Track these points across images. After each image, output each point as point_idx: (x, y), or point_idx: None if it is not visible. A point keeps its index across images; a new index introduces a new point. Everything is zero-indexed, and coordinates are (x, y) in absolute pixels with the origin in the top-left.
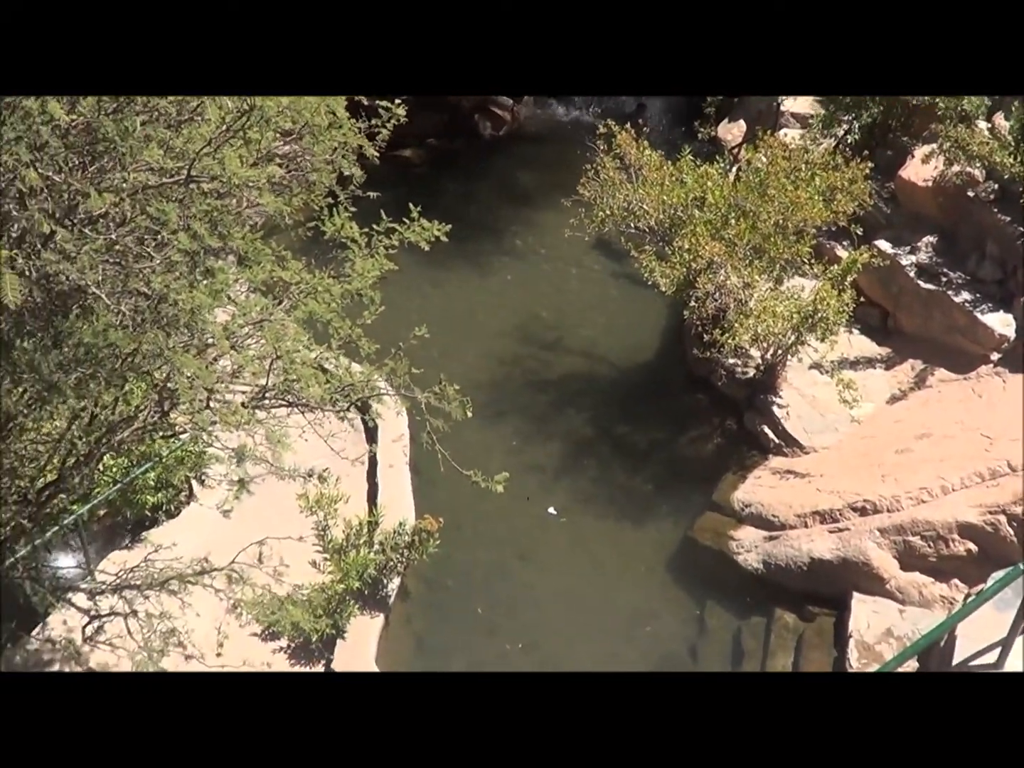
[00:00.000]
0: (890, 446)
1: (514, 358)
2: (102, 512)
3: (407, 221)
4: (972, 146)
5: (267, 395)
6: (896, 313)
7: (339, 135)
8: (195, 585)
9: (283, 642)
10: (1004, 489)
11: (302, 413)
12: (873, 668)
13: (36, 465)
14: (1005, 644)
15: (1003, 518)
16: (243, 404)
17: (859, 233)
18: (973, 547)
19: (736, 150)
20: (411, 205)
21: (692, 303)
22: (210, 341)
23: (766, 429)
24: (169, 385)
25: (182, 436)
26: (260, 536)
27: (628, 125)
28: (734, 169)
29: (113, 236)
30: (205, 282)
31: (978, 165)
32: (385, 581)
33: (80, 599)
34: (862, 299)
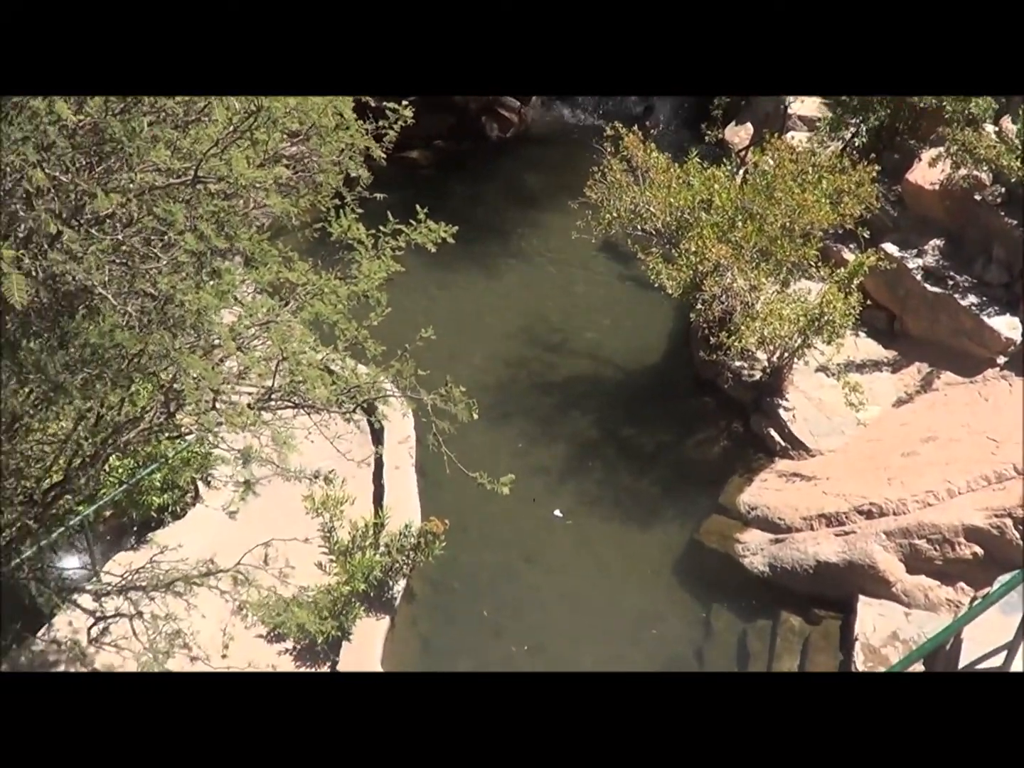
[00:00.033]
0: (896, 449)
1: (520, 360)
2: (108, 513)
3: (414, 223)
4: (979, 149)
5: (273, 396)
6: (903, 316)
7: (346, 136)
8: (200, 586)
9: (288, 644)
10: (1010, 492)
11: (308, 414)
12: (879, 671)
13: (42, 466)
14: (1011, 648)
15: (1009, 521)
16: (249, 405)
17: (866, 236)
18: (979, 550)
19: (743, 153)
20: (418, 207)
21: (699, 306)
22: (216, 342)
23: (772, 432)
24: (175, 386)
25: (188, 437)
26: (266, 537)
27: (635, 127)
28: (741, 172)
29: (120, 237)
30: (212, 283)
31: (985, 169)
32: (391, 583)
33: (85, 600)
34: (869, 302)
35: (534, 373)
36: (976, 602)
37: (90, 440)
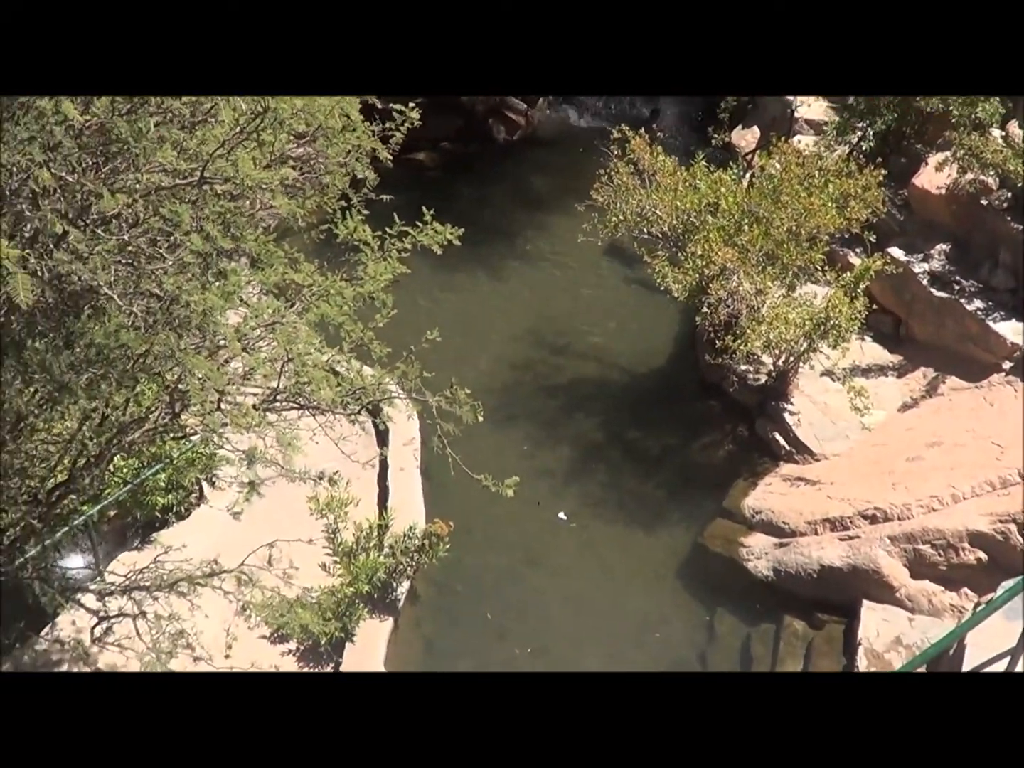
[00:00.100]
0: (901, 454)
1: (526, 362)
2: (112, 513)
3: (420, 224)
4: (986, 154)
5: (278, 397)
6: (908, 321)
7: (353, 138)
8: (204, 587)
9: (292, 645)
10: (1015, 498)
11: (313, 416)
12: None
13: (47, 465)
14: (1014, 653)
15: (1013, 527)
16: (254, 406)
17: (872, 240)
18: (983, 556)
19: (750, 156)
20: (424, 208)
21: (704, 309)
22: (222, 343)
23: (777, 436)
24: (180, 386)
25: (193, 438)
26: (270, 538)
27: (642, 130)
28: (748, 175)
29: (126, 237)
30: (217, 284)
31: (992, 173)
32: (395, 584)
33: (89, 600)
34: (874, 306)
35: (539, 375)
36: (980, 607)
37: (95, 440)
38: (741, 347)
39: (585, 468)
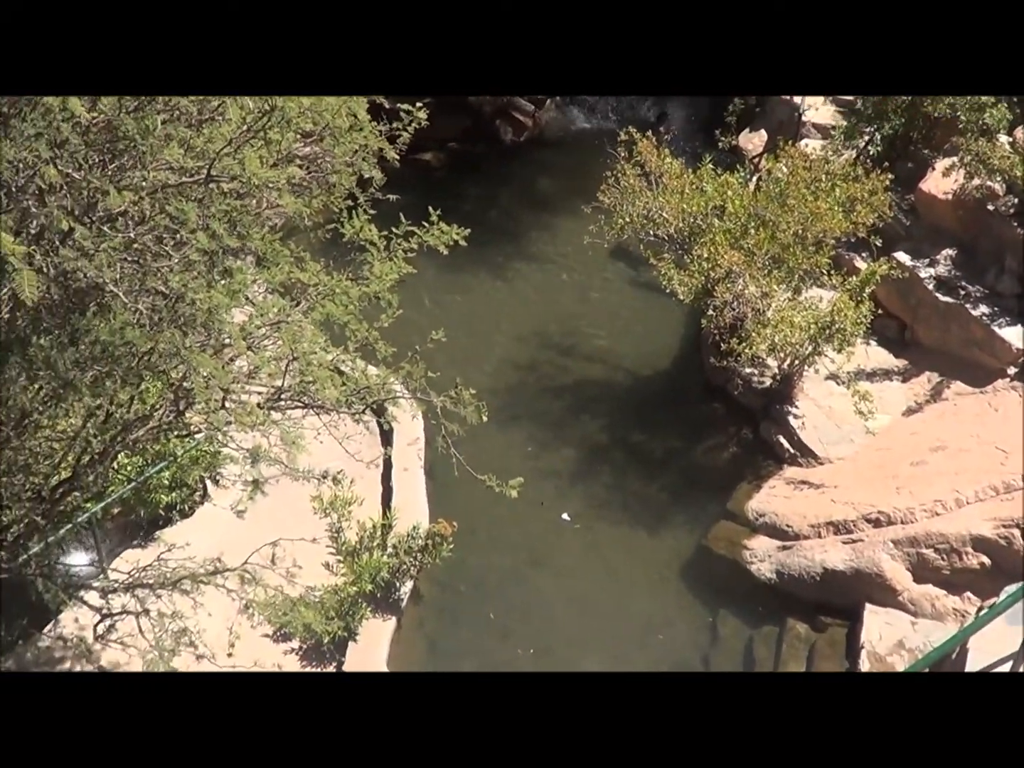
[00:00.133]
0: (905, 458)
1: (531, 363)
2: (116, 510)
3: (426, 224)
4: (993, 160)
5: (283, 396)
6: (914, 325)
7: (360, 137)
8: (207, 585)
9: (295, 644)
10: (1018, 503)
11: (317, 415)
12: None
13: (51, 462)
14: (1017, 658)
15: (1017, 532)
16: (259, 405)
17: (878, 245)
18: (986, 560)
19: (757, 160)
20: (431, 209)
21: (710, 312)
22: (227, 341)
23: (782, 439)
24: (185, 384)
25: (197, 436)
26: (273, 537)
27: (649, 133)
28: (754, 179)
29: (132, 234)
30: (223, 282)
31: (999, 179)
32: (398, 584)
33: (92, 597)
34: (880, 311)
35: (544, 376)
36: (983, 612)
37: (99, 437)
38: (746, 350)
39: (589, 469)
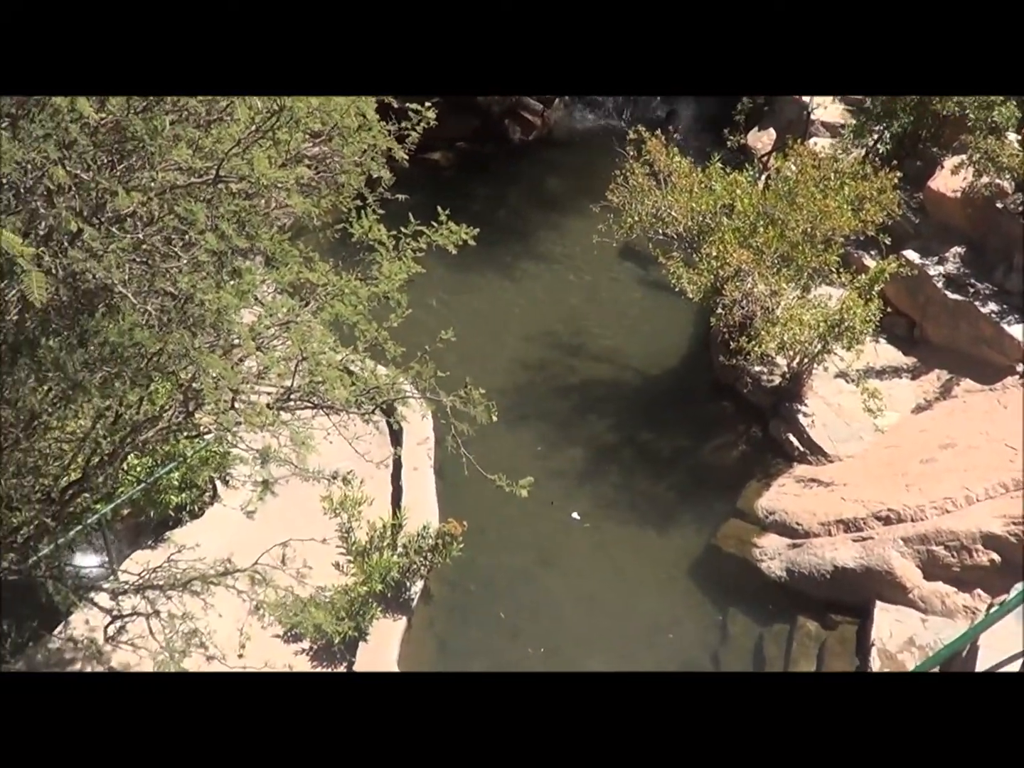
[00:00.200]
0: (915, 456)
1: (540, 363)
2: (126, 511)
3: (435, 224)
4: (1002, 158)
5: (292, 397)
6: (923, 323)
7: (369, 137)
8: (218, 586)
9: (305, 644)
10: None
11: (327, 415)
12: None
13: (60, 464)
14: None
15: None
16: (268, 405)
17: (887, 243)
18: (996, 557)
19: (765, 158)
20: (439, 208)
21: (719, 310)
22: (236, 342)
23: (791, 437)
24: (194, 385)
25: (207, 436)
26: (283, 537)
27: (658, 132)
28: (763, 177)
29: (140, 235)
30: (232, 282)
31: (1007, 177)
32: (408, 584)
33: (102, 599)
34: (889, 309)
35: (553, 376)
36: (993, 609)
37: (108, 438)
38: (755, 348)
39: (598, 469)
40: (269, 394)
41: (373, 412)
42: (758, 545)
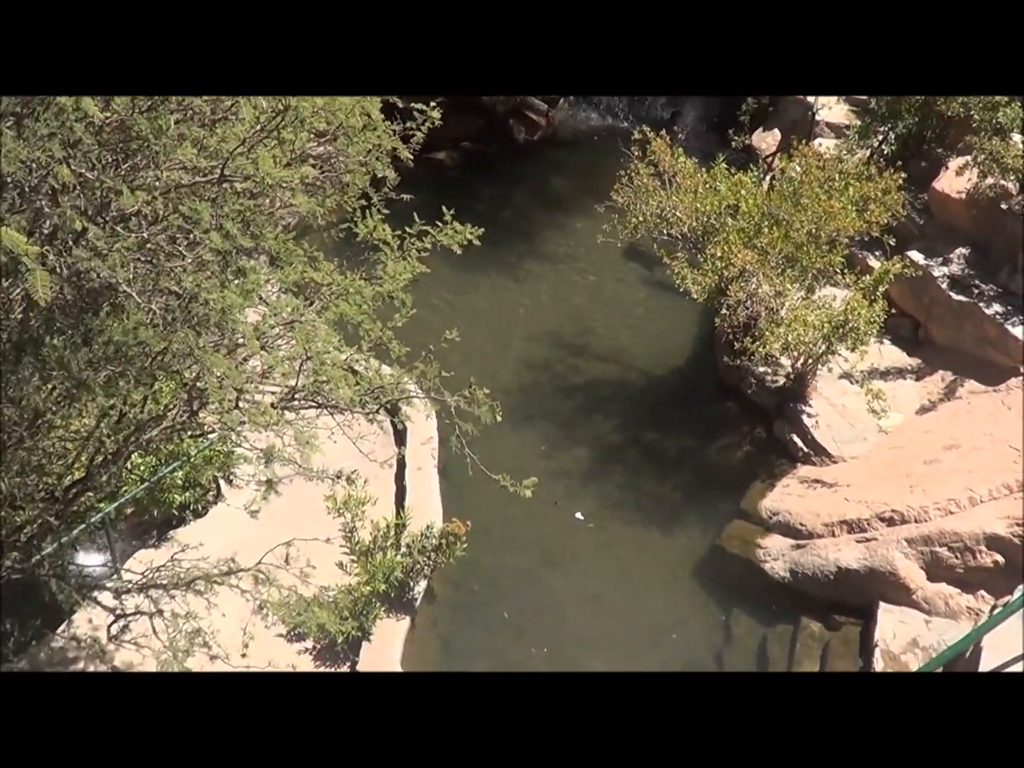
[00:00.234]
0: (919, 457)
1: (544, 363)
2: (129, 511)
3: (440, 224)
4: (1007, 159)
5: (296, 396)
6: (927, 324)
7: (373, 137)
8: (221, 585)
9: (309, 643)
10: None
11: (331, 415)
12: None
13: (64, 462)
14: None
15: None
16: (272, 405)
17: (892, 244)
18: (1000, 559)
19: (770, 159)
20: (444, 208)
21: (723, 311)
22: (240, 341)
23: (795, 438)
24: (199, 384)
25: (211, 436)
26: (287, 537)
27: (663, 132)
28: (768, 178)
29: (145, 234)
30: (236, 282)
31: (1012, 178)
32: (412, 584)
33: (106, 598)
34: (893, 310)
35: (558, 376)
36: (996, 610)
37: (112, 437)
38: (759, 349)
39: (603, 469)
40: (273, 393)
41: (377, 412)
42: (762, 546)
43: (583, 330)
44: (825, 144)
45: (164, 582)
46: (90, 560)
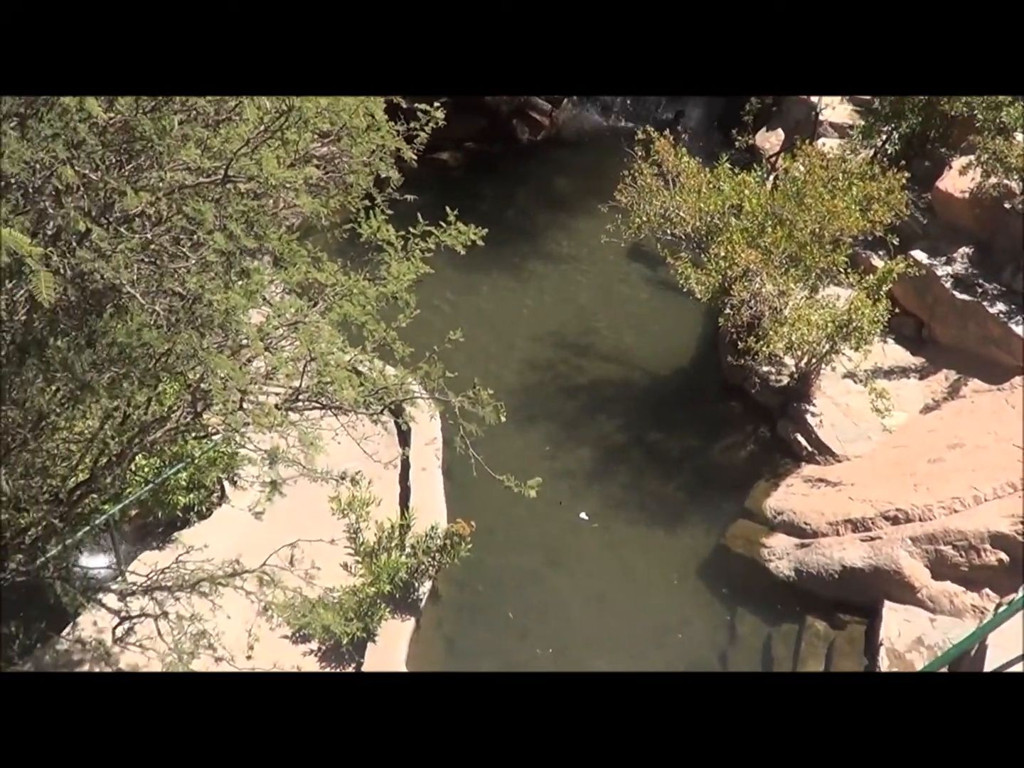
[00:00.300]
0: (923, 455)
1: (548, 363)
2: (134, 512)
3: (444, 224)
4: (1010, 158)
5: (300, 397)
6: (931, 323)
7: (377, 137)
8: (226, 587)
9: (313, 645)
10: None
11: (335, 415)
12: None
13: (68, 464)
14: None
15: None
16: (276, 406)
17: (895, 243)
18: (1005, 557)
19: (774, 159)
20: (448, 208)
21: (727, 310)
22: (244, 342)
23: (799, 437)
24: (202, 386)
25: (215, 437)
26: (292, 538)
27: (666, 132)
28: (771, 177)
29: (149, 235)
30: (240, 283)
31: (1016, 177)
32: (416, 584)
33: (110, 600)
34: (897, 309)
35: (562, 376)
36: (1001, 609)
37: (116, 439)
38: (763, 349)
39: (607, 469)
40: (277, 395)
41: (381, 413)
42: (766, 545)
43: (587, 330)
44: (829, 144)
45: (169, 584)
46: (94, 562)
